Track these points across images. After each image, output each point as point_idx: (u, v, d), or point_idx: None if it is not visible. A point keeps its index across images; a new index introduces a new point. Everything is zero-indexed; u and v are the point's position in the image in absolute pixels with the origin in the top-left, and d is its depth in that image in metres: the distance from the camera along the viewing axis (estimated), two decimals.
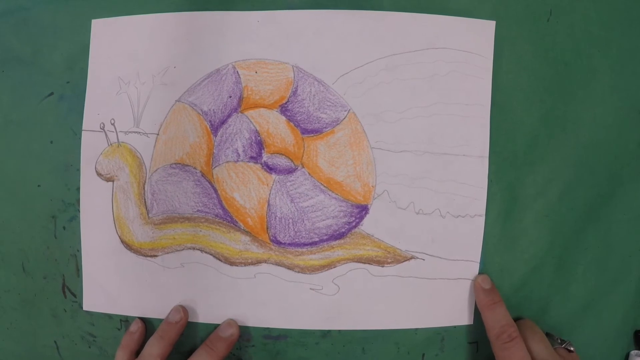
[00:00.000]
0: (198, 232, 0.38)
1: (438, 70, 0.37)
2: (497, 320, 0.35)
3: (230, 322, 0.37)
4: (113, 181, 0.38)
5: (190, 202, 0.38)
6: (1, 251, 0.40)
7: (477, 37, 0.37)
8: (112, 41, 0.38)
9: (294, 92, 0.38)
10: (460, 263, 0.38)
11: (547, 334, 0.37)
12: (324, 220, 0.37)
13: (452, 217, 0.37)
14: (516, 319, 0.37)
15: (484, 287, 0.37)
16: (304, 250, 0.37)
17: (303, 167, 0.38)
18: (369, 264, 0.37)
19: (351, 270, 0.37)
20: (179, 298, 0.38)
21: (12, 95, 0.39)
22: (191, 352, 0.37)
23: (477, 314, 0.38)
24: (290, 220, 0.37)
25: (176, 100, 0.38)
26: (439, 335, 0.38)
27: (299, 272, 0.37)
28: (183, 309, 0.37)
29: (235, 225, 0.38)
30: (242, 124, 0.38)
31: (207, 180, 0.38)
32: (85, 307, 0.39)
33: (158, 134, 0.38)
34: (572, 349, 0.36)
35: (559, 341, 0.37)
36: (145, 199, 0.38)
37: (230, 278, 0.38)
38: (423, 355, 0.38)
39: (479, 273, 0.38)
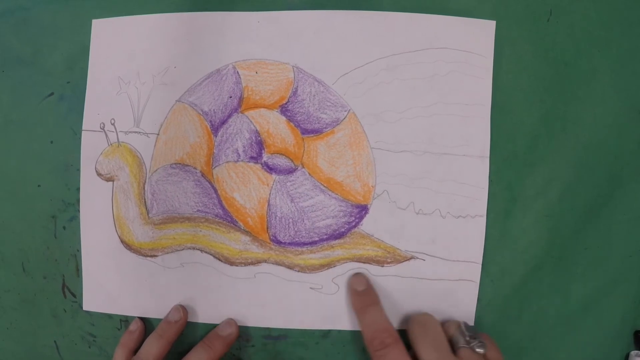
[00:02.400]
0: (198, 232, 0.38)
1: (438, 70, 0.37)
2: (369, 324, 0.33)
3: (230, 322, 0.37)
4: (113, 181, 0.38)
5: (190, 202, 0.38)
6: (1, 251, 0.40)
7: (477, 37, 0.37)
8: (112, 41, 0.38)
9: (294, 93, 0.38)
10: (461, 264, 0.38)
11: (465, 326, 0.34)
12: (323, 219, 0.37)
13: (452, 217, 0.37)
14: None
15: (357, 289, 0.35)
16: (304, 249, 0.37)
17: (303, 167, 0.38)
18: (369, 263, 0.37)
19: (351, 270, 0.37)
20: (179, 298, 0.38)
21: (12, 95, 0.39)
22: (188, 351, 0.37)
23: (478, 315, 0.38)
24: (291, 220, 0.37)
25: (176, 100, 0.38)
26: None
27: (299, 271, 0.37)
28: (183, 309, 0.37)
29: (235, 225, 0.38)
30: (243, 124, 0.38)
31: (207, 180, 0.38)
32: (85, 307, 0.39)
33: (158, 134, 0.38)
34: (481, 350, 0.31)
35: (467, 338, 0.32)
36: (145, 199, 0.38)
37: (230, 278, 0.38)
38: None
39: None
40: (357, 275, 0.36)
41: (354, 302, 0.35)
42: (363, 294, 0.35)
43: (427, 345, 0.31)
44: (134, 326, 0.38)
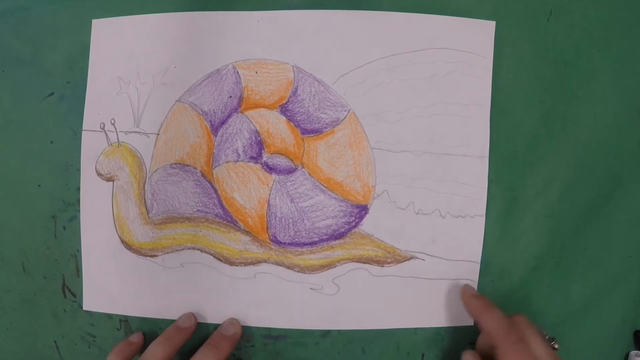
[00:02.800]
0: (198, 232, 0.38)
1: (438, 70, 0.37)
2: (500, 320, 0.34)
3: (233, 321, 0.37)
4: (113, 181, 0.38)
5: (190, 202, 0.38)
6: (1, 251, 0.40)
7: (477, 37, 0.37)
8: (112, 41, 0.38)
9: (294, 92, 0.38)
10: (461, 263, 0.38)
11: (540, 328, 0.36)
12: (323, 220, 0.37)
13: (452, 217, 0.37)
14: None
15: (472, 294, 0.36)
16: (304, 250, 0.37)
17: (303, 167, 0.38)
18: (369, 263, 0.37)
19: (351, 270, 0.37)
20: (179, 298, 0.38)
21: (12, 95, 0.39)
22: (190, 352, 0.36)
23: None
24: (290, 220, 0.37)
25: (176, 100, 0.38)
26: (439, 336, 0.38)
27: (299, 271, 0.37)
28: (194, 317, 0.37)
29: (235, 225, 0.38)
30: (242, 124, 0.38)
31: (207, 180, 0.38)
32: (85, 307, 0.39)
33: (158, 134, 0.38)
34: (557, 346, 0.35)
35: (547, 338, 0.35)
36: (145, 199, 0.38)
37: (230, 278, 0.38)
38: (423, 355, 0.38)
39: (465, 281, 0.38)
40: (467, 284, 0.38)
41: (474, 306, 0.36)
42: (480, 297, 0.36)
43: (538, 342, 0.33)
44: (136, 338, 0.37)
